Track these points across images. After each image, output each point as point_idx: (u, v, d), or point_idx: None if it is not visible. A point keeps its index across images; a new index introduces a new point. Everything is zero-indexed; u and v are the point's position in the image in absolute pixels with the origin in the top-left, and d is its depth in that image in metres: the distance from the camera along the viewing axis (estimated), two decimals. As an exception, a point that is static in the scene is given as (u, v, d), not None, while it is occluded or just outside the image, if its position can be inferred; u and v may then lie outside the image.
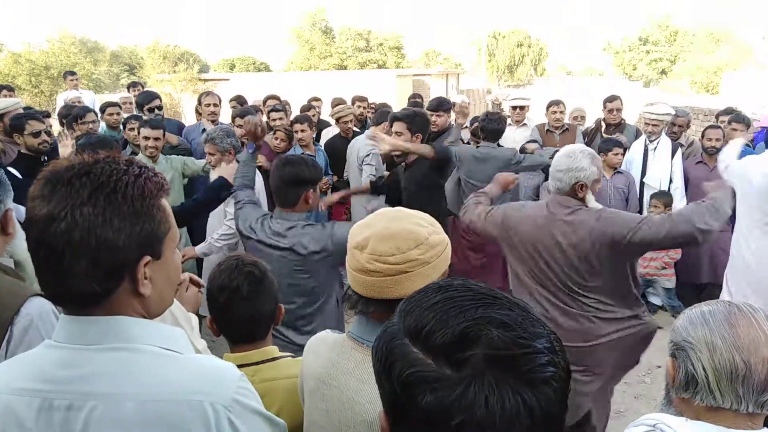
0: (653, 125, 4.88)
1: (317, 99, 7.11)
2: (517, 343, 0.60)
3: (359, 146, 4.83)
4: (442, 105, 5.13)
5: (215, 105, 5.19)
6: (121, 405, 0.87)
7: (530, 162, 4.40)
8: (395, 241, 1.18)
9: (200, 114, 5.36)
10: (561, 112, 5.54)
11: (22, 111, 4.14)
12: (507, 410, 0.57)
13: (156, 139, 3.94)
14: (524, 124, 5.83)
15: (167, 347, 0.95)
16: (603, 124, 5.59)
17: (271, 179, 2.53)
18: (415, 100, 6.77)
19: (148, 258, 0.93)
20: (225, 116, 5.93)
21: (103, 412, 0.87)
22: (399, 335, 0.66)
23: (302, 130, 4.91)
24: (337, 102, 6.47)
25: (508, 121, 6.05)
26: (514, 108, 5.91)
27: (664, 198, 4.71)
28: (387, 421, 0.69)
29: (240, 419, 0.93)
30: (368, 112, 6.54)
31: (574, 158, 2.47)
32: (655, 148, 4.94)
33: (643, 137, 5.07)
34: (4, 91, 8.42)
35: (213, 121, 5.07)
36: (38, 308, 1.44)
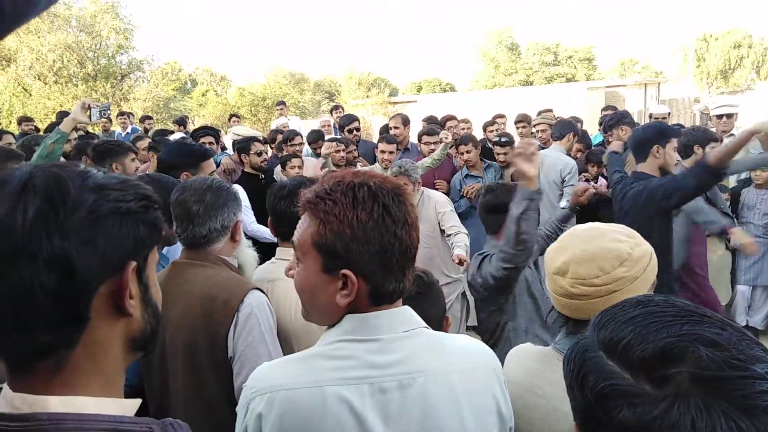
0: None
1: (501, 116, 7.12)
2: (730, 365, 0.53)
3: (553, 162, 4.54)
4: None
5: (395, 127, 5.65)
6: (448, 376, 1.02)
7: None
8: (597, 263, 1.14)
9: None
10: None
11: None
12: None
13: (390, 152, 4.54)
14: (731, 135, 5.15)
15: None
16: None
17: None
18: (606, 112, 6.42)
19: None
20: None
21: (435, 384, 1.00)
22: (593, 348, 0.64)
23: (467, 151, 4.77)
24: (521, 118, 6.40)
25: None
26: (720, 117, 5.24)
27: None
28: None
29: (504, 383, 1.10)
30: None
31: None
32: None
33: None
34: (234, 119, 10.00)
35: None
36: (257, 299, 1.67)
